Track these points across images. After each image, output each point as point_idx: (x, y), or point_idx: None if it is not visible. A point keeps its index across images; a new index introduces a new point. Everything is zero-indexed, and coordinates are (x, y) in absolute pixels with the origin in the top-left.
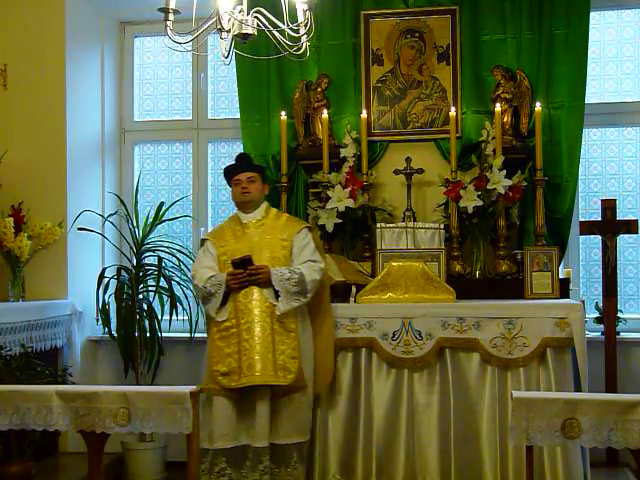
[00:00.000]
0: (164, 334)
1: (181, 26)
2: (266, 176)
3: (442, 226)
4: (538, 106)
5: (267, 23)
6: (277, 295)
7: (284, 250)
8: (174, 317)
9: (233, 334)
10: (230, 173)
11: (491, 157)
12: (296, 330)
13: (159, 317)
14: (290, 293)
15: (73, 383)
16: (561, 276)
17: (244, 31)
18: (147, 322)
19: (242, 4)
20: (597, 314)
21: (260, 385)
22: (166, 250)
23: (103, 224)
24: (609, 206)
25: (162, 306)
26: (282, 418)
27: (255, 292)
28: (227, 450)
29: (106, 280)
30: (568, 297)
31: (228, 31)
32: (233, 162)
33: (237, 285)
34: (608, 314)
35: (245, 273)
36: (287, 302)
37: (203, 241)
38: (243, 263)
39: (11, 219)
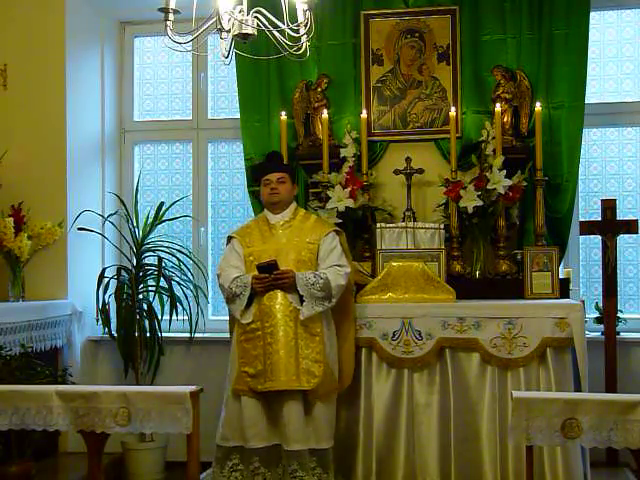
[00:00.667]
0: (164, 334)
1: (181, 26)
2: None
3: (442, 226)
4: (538, 106)
5: (267, 23)
6: (302, 299)
7: (310, 253)
8: (174, 317)
9: (259, 336)
10: (260, 173)
11: (491, 157)
12: (321, 334)
13: (159, 317)
14: (315, 298)
15: (73, 383)
16: (561, 276)
17: (244, 31)
18: (147, 322)
19: (242, 4)
20: (597, 314)
21: (285, 389)
22: (166, 250)
23: (103, 224)
24: (609, 206)
25: (162, 306)
26: (321, 422)
27: (279, 296)
28: (260, 450)
29: (106, 280)
30: (568, 297)
31: (228, 31)
32: (262, 161)
33: (262, 289)
34: (608, 314)
35: (270, 278)
36: (311, 307)
37: (230, 238)
38: (269, 267)
39: (11, 219)
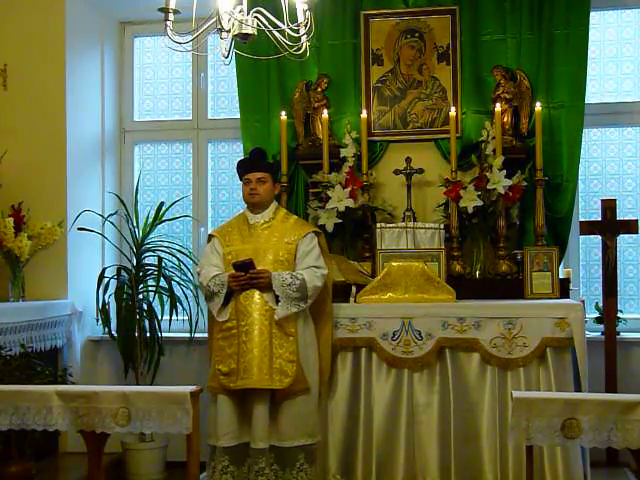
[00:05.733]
0: (164, 334)
1: (181, 26)
2: (278, 174)
3: (442, 226)
4: (538, 106)
5: (267, 23)
6: (278, 299)
7: (288, 254)
8: (174, 317)
9: (234, 335)
10: (241, 170)
11: (491, 157)
12: (295, 334)
13: (159, 317)
14: (290, 299)
15: (73, 383)
16: (561, 276)
17: (244, 31)
18: (147, 322)
19: (242, 4)
20: (597, 314)
21: (258, 388)
22: (166, 250)
23: (103, 224)
24: (609, 206)
25: (162, 306)
26: (285, 421)
27: (256, 295)
28: (230, 448)
29: (106, 280)
30: (568, 297)
31: (228, 31)
32: (246, 157)
33: (238, 288)
34: (608, 314)
35: (246, 276)
36: (286, 307)
37: (210, 237)
38: (244, 266)
39: (11, 219)
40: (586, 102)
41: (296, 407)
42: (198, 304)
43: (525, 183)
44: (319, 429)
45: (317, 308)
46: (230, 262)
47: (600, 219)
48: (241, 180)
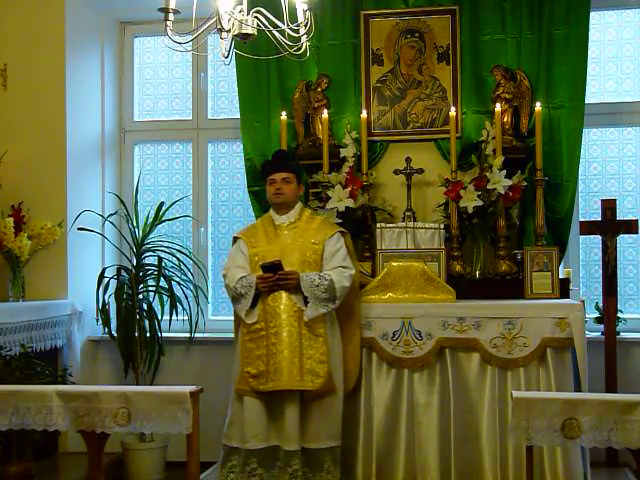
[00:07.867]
0: (164, 334)
1: (181, 26)
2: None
3: (442, 226)
4: (538, 106)
5: (267, 23)
6: (306, 300)
7: (315, 254)
8: (174, 317)
9: (262, 337)
10: (266, 171)
11: (491, 157)
12: (325, 335)
13: (159, 317)
14: (319, 300)
15: (73, 383)
16: (561, 276)
17: (244, 31)
18: (147, 322)
19: (242, 4)
20: (597, 314)
21: (288, 389)
22: (166, 250)
23: (103, 224)
24: (609, 206)
25: (162, 306)
26: (313, 422)
27: (284, 296)
28: (258, 450)
29: (106, 280)
30: (568, 297)
31: (228, 31)
32: (270, 159)
33: (266, 289)
34: (608, 314)
35: (274, 277)
36: (315, 308)
37: (235, 239)
38: (273, 267)
39: (11, 219)
40: (586, 102)
41: (324, 409)
42: (198, 304)
43: (525, 183)
44: (340, 431)
45: (344, 309)
46: (257, 263)
47: (600, 219)
48: (265, 182)
